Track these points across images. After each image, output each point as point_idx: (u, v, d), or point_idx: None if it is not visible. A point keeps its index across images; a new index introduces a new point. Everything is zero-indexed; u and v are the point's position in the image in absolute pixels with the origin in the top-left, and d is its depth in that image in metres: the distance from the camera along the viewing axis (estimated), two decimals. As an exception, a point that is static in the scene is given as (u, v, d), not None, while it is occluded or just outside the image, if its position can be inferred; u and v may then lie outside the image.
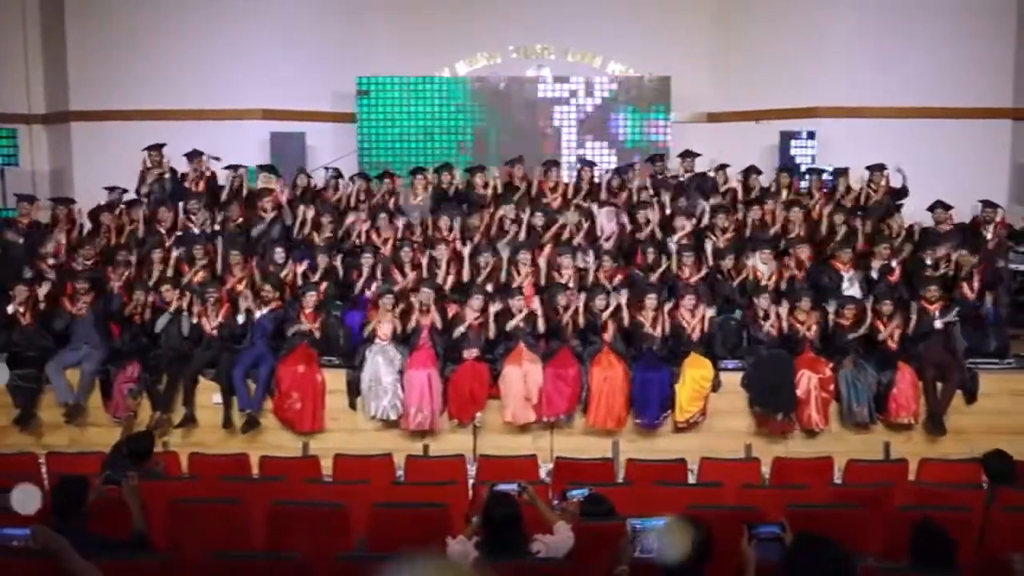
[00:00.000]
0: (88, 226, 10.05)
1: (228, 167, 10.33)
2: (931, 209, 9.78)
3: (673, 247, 9.21)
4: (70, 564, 3.35)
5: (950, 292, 8.64)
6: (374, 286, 8.85)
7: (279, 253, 9.11)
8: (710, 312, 8.57)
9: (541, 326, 8.44)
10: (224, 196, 10.12)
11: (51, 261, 9.11)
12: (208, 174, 10.38)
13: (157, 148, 10.34)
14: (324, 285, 8.86)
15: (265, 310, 8.52)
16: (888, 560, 4.73)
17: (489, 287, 8.79)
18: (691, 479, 6.64)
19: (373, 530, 4.81)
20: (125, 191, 10.24)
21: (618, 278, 8.94)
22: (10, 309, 8.44)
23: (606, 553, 4.12)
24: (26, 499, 4.27)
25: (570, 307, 8.41)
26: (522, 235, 9.55)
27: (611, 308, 8.36)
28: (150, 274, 8.93)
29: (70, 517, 4.22)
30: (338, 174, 10.65)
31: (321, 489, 5.89)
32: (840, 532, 3.91)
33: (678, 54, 12.46)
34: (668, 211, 9.83)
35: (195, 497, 5.26)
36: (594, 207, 10.04)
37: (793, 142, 11.71)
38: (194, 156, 10.35)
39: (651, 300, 8.41)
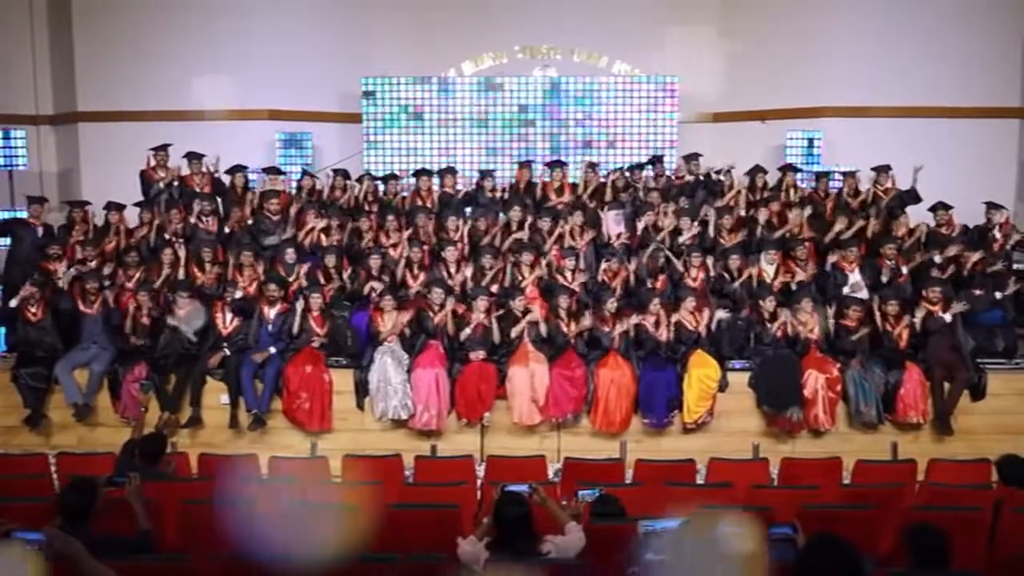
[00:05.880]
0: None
1: (230, 170, 10.32)
2: (932, 210, 9.79)
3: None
4: (86, 567, 3.35)
5: (957, 291, 8.63)
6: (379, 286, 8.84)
7: (289, 253, 9.11)
8: (721, 313, 8.53)
9: (543, 330, 8.41)
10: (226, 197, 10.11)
11: (59, 265, 9.10)
12: (213, 174, 10.37)
13: (163, 148, 10.34)
14: (331, 288, 8.86)
15: (274, 312, 8.51)
16: (897, 561, 4.73)
17: (494, 288, 8.80)
18: (699, 479, 6.65)
19: (385, 530, 4.82)
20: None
21: (621, 279, 8.95)
22: (12, 303, 8.47)
23: (617, 554, 4.13)
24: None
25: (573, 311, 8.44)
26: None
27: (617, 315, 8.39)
28: (159, 275, 8.95)
29: (78, 520, 4.22)
30: (345, 175, 10.66)
31: (333, 490, 5.89)
32: (853, 533, 3.92)
33: (683, 54, 12.49)
34: (671, 212, 9.77)
35: (209, 498, 5.26)
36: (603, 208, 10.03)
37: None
38: (194, 158, 10.30)
39: (655, 305, 8.40)
